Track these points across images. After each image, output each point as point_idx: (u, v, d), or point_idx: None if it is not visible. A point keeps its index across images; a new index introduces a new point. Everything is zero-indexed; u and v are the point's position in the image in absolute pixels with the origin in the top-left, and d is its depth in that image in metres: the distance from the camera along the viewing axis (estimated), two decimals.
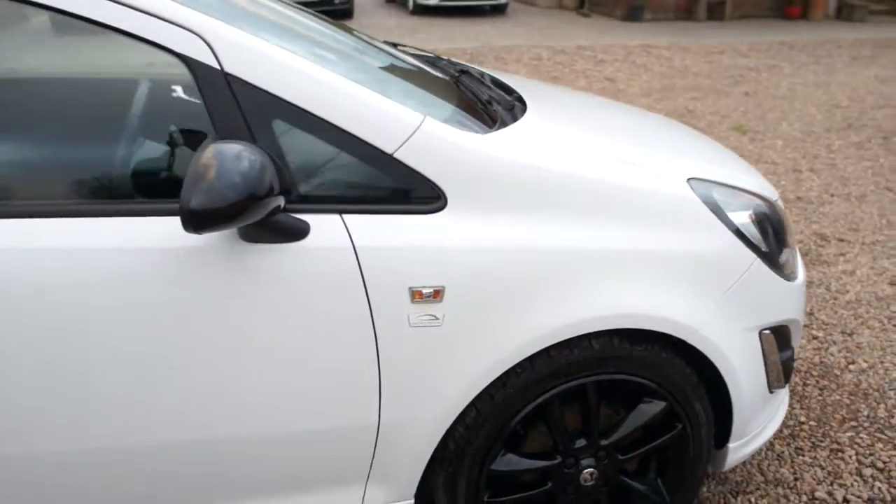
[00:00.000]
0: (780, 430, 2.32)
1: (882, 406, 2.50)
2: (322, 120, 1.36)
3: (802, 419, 2.42)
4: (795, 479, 2.15)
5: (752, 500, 2.07)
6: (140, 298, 1.27)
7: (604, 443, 1.68)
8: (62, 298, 1.24)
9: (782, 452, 2.27)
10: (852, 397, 2.55)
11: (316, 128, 1.36)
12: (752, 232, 1.72)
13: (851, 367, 2.72)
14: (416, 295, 1.39)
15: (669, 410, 1.68)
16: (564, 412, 1.62)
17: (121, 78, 1.48)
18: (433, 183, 1.42)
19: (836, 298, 3.23)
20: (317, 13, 2.13)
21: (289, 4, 1.99)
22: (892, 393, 2.58)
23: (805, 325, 2.95)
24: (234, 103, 1.31)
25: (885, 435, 2.36)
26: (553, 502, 1.71)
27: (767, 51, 10.17)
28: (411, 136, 1.40)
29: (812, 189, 4.65)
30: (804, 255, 3.69)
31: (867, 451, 2.28)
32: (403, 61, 1.94)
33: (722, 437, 1.82)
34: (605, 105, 2.28)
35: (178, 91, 1.38)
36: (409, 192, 1.41)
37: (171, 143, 1.44)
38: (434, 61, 2.21)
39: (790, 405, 2.47)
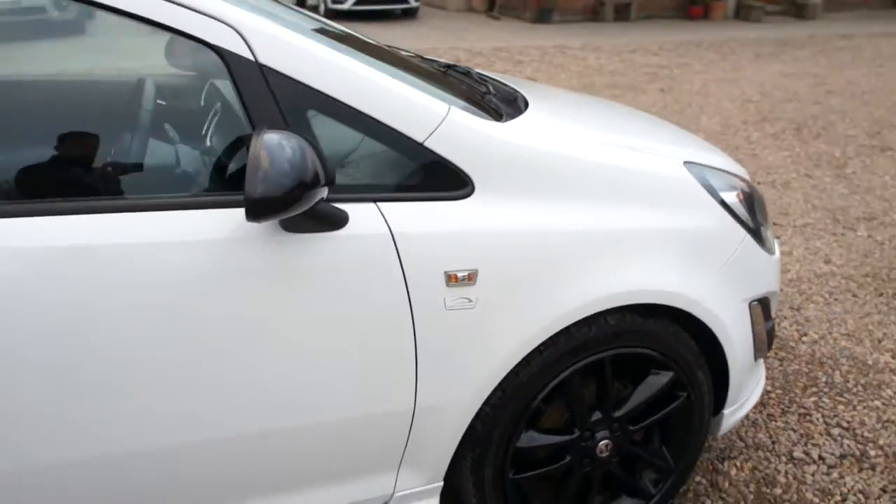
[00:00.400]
0: None
1: (837, 372, 2.71)
2: (355, 110, 1.40)
3: (769, 388, 2.60)
4: (773, 443, 2.31)
5: (738, 464, 2.21)
6: (186, 293, 1.28)
7: (617, 415, 1.77)
8: (113, 295, 1.23)
9: (756, 420, 2.43)
10: (809, 366, 2.75)
11: (349, 118, 1.40)
12: (741, 210, 1.85)
13: (804, 338, 2.93)
14: (451, 279, 1.45)
15: (676, 380, 1.79)
16: (582, 387, 1.70)
17: (155, 74, 1.48)
18: (461, 170, 1.48)
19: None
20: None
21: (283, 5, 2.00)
22: (843, 360, 2.79)
23: None
24: (269, 94, 1.33)
25: (844, 398, 2.56)
26: (569, 475, 1.79)
27: (676, 49, 10.65)
28: (440, 125, 1.45)
29: None
30: None
31: (831, 413, 2.47)
32: (398, 57, 1.99)
33: (717, 405, 1.94)
34: (596, 101, 2.40)
35: (214, 84, 1.39)
36: (439, 179, 1.47)
37: (208, 137, 1.45)
38: (420, 59, 2.26)
39: None
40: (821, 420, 2.43)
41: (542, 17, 13.70)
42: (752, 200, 1.92)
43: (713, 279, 1.76)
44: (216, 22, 1.32)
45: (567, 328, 1.60)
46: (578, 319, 1.60)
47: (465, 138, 1.48)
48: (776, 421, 2.43)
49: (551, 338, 1.59)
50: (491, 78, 2.15)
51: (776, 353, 2.81)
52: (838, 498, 2.08)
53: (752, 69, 9.07)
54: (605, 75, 8.63)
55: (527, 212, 1.53)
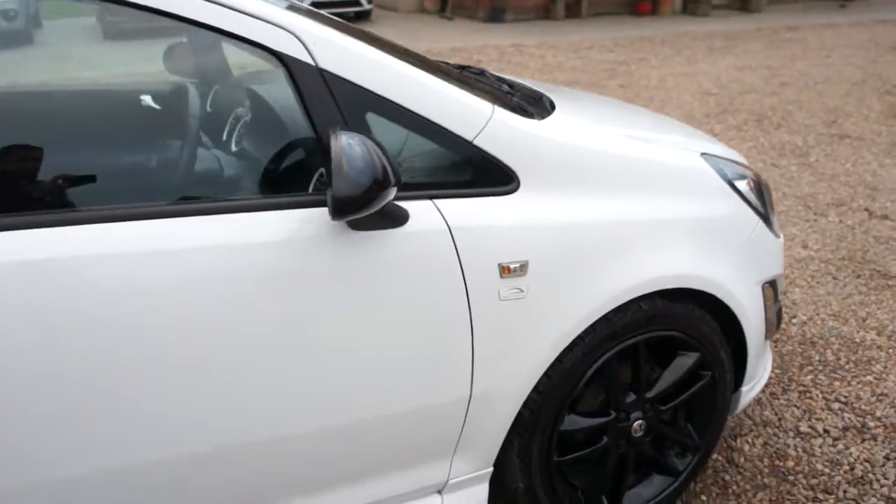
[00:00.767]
0: None
1: (828, 351, 2.87)
2: (409, 111, 1.47)
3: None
4: (779, 419, 2.45)
5: (750, 440, 2.34)
6: (267, 292, 1.33)
7: (649, 395, 1.87)
8: (195, 297, 1.28)
9: (760, 398, 2.56)
10: (802, 346, 2.90)
11: (403, 118, 1.47)
12: (752, 198, 1.97)
13: (794, 321, 3.08)
14: (504, 270, 1.53)
15: (701, 360, 1.90)
16: (619, 371, 1.80)
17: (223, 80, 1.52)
18: (507, 166, 1.56)
19: None
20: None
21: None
22: (833, 339, 2.95)
23: None
24: (329, 97, 1.40)
25: (839, 374, 2.71)
26: (605, 455, 1.88)
27: (631, 45, 10.89)
28: (487, 123, 1.53)
29: None
30: None
31: (829, 389, 2.62)
32: (425, 59, 2.06)
33: (734, 384, 2.06)
34: (608, 100, 2.50)
35: (276, 88, 1.44)
36: (488, 175, 1.55)
37: (275, 139, 1.50)
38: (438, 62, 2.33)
39: None
40: (820, 396, 2.58)
41: (495, 16, 13.85)
42: (760, 188, 2.05)
43: (732, 263, 1.88)
44: (278, 29, 1.37)
45: (606, 315, 1.69)
46: (616, 306, 1.69)
47: (509, 136, 1.56)
48: (779, 399, 2.57)
49: (592, 324, 1.68)
50: (507, 78, 2.23)
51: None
52: (847, 467, 2.22)
53: (706, 63, 9.35)
54: (566, 72, 8.80)
55: (567, 205, 1.61)
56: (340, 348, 1.42)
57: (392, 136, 1.48)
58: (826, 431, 2.39)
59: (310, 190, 1.45)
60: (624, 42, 11.20)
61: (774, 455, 2.28)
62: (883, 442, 2.33)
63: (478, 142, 1.53)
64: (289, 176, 1.51)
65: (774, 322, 2.11)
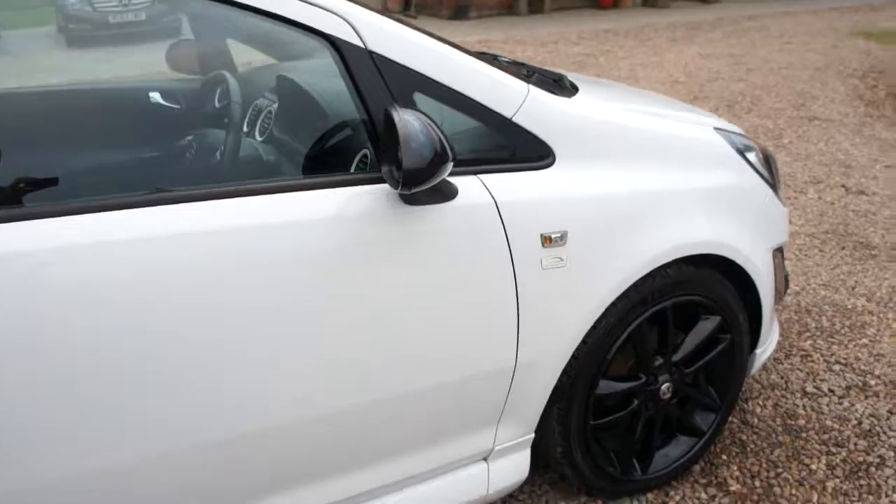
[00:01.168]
0: None
1: (823, 318, 3.01)
2: (453, 90, 1.55)
3: None
4: (785, 382, 2.57)
5: (761, 402, 2.46)
6: (330, 265, 1.39)
7: (675, 359, 1.97)
8: (270, 271, 1.34)
9: (765, 364, 2.68)
10: (798, 314, 3.04)
11: (448, 98, 1.54)
12: (762, 169, 2.09)
13: (788, 291, 3.22)
14: (546, 240, 1.61)
15: (722, 324, 2.00)
16: (648, 336, 1.89)
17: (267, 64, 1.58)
18: (544, 142, 1.65)
19: None
20: None
21: None
22: (826, 307, 3.09)
23: None
24: (379, 78, 1.47)
25: (836, 339, 2.85)
26: (634, 419, 1.98)
27: (596, 38, 11.07)
28: (524, 102, 1.62)
29: None
30: None
31: (828, 353, 2.75)
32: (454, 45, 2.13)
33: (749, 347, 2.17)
34: (616, 83, 2.60)
35: (328, 71, 1.50)
36: (527, 150, 1.63)
37: (329, 120, 1.56)
38: None
39: None
40: (821, 359, 2.71)
41: (459, 13, 13.95)
42: (768, 160, 2.16)
43: (748, 230, 1.99)
44: (329, 13, 1.44)
45: (636, 282, 1.78)
46: (646, 272, 1.78)
47: (544, 113, 1.65)
48: (783, 364, 2.69)
49: (624, 291, 1.77)
50: (521, 62, 2.32)
51: None
52: (854, 422, 2.35)
53: (672, 52, 9.54)
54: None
55: (599, 177, 1.71)
56: (397, 318, 1.48)
57: (437, 115, 1.55)
58: (831, 391, 2.51)
59: (353, 169, 1.52)
60: (588, 35, 11.37)
61: (785, 415, 2.40)
62: (885, 398, 2.47)
63: (516, 119, 1.61)
64: (344, 155, 1.57)
65: (783, 287, 2.23)
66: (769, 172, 2.13)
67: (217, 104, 1.92)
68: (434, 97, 1.54)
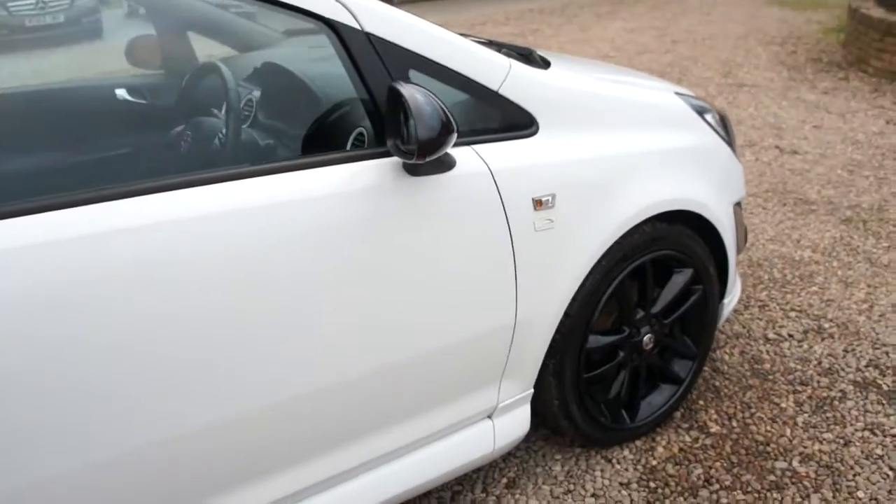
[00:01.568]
0: None
1: (774, 269, 3.23)
2: (444, 67, 1.64)
3: None
4: (747, 331, 2.77)
5: (728, 351, 2.64)
6: (343, 235, 1.47)
7: (653, 311, 2.12)
8: (294, 243, 1.42)
9: (730, 313, 2.88)
10: (751, 268, 3.25)
11: (440, 74, 1.64)
12: (720, 129, 2.25)
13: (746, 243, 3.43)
14: (537, 204, 1.73)
15: (694, 276, 2.16)
16: (630, 290, 2.04)
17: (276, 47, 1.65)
18: (527, 111, 1.76)
19: None
20: None
21: None
22: (776, 260, 3.31)
23: None
24: (377, 58, 1.56)
25: (788, 288, 3.07)
26: (620, 370, 2.12)
27: (522, 17, 11.26)
28: (507, 74, 1.73)
29: None
30: None
31: (783, 301, 2.96)
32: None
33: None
34: (576, 57, 2.73)
35: (327, 51, 1.58)
36: (513, 121, 1.74)
37: (321, 102, 1.64)
38: None
39: None
40: (777, 308, 2.92)
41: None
42: (724, 121, 2.33)
43: (713, 187, 2.15)
44: None
45: (618, 239, 1.92)
46: (626, 230, 1.92)
47: (527, 85, 1.76)
48: (743, 315, 2.89)
49: (608, 248, 1.91)
50: (489, 39, 2.42)
51: None
52: (815, 362, 2.56)
53: (598, 28, 9.80)
54: None
55: (579, 142, 1.83)
56: (409, 284, 1.58)
57: (434, 90, 1.64)
58: (790, 336, 2.72)
59: (349, 146, 1.61)
60: (515, 15, 11.55)
61: (752, 360, 2.58)
62: (839, 338, 2.69)
63: (502, 91, 1.72)
64: (339, 134, 1.66)
65: (743, 239, 2.41)
66: (725, 132, 2.29)
67: (209, 93, 1.97)
68: (427, 74, 1.63)
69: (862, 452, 2.12)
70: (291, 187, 1.43)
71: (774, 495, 1.99)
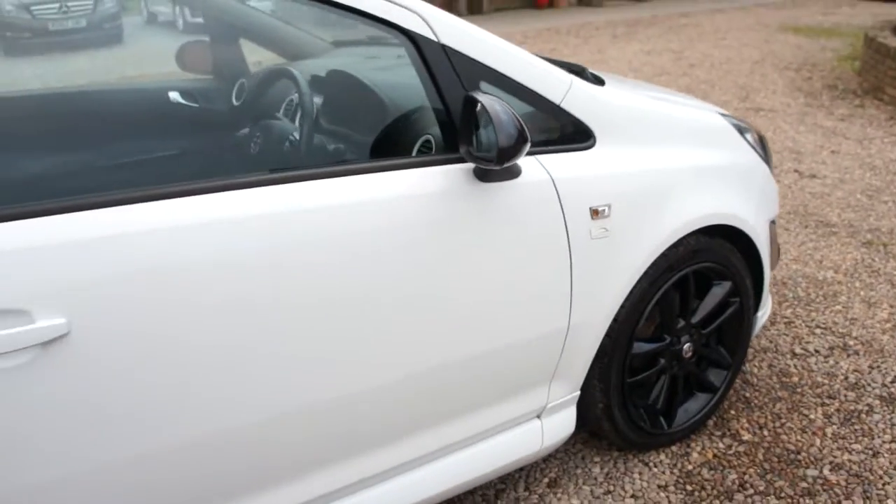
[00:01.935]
0: None
1: (799, 288, 3.32)
2: (513, 80, 1.75)
3: None
4: (775, 346, 2.86)
5: (756, 364, 2.73)
6: (408, 239, 1.56)
7: (693, 321, 2.21)
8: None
9: (762, 327, 2.97)
10: (776, 287, 3.34)
11: (509, 87, 1.74)
12: (758, 149, 2.35)
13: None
14: (594, 213, 1.83)
15: (733, 289, 2.25)
16: (673, 300, 2.13)
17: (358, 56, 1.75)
18: (586, 125, 1.86)
19: None
20: None
21: None
22: (800, 279, 3.41)
23: None
24: (451, 68, 1.66)
25: (813, 306, 3.16)
26: (658, 378, 2.21)
27: (539, 36, 11.42)
28: (569, 89, 1.83)
29: None
30: None
31: (808, 319, 3.05)
32: None
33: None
34: (623, 77, 2.83)
35: (405, 61, 1.68)
36: (573, 133, 1.84)
37: (389, 110, 1.74)
38: None
39: None
40: (802, 325, 3.01)
41: None
42: (762, 140, 2.43)
43: (753, 204, 2.24)
44: (406, 10, 1.62)
45: (665, 250, 2.01)
46: (673, 242, 2.01)
47: (586, 99, 1.86)
48: (770, 330, 2.98)
49: (656, 259, 2.00)
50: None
51: None
52: (841, 377, 2.64)
53: (614, 49, 9.95)
54: None
55: (633, 156, 1.93)
56: (476, 284, 1.67)
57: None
58: (817, 351, 2.81)
59: (415, 153, 1.71)
60: (532, 34, 11.71)
61: (780, 374, 2.67)
62: (864, 355, 2.77)
63: (563, 105, 1.82)
64: (406, 140, 1.76)
65: (776, 256, 2.50)
66: (763, 151, 2.39)
67: (280, 97, 2.07)
68: (496, 85, 1.73)
69: (891, 463, 2.20)
70: (369, 188, 1.53)
71: (807, 501, 2.07)
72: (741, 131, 2.32)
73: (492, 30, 8.89)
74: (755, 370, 2.69)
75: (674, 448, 2.29)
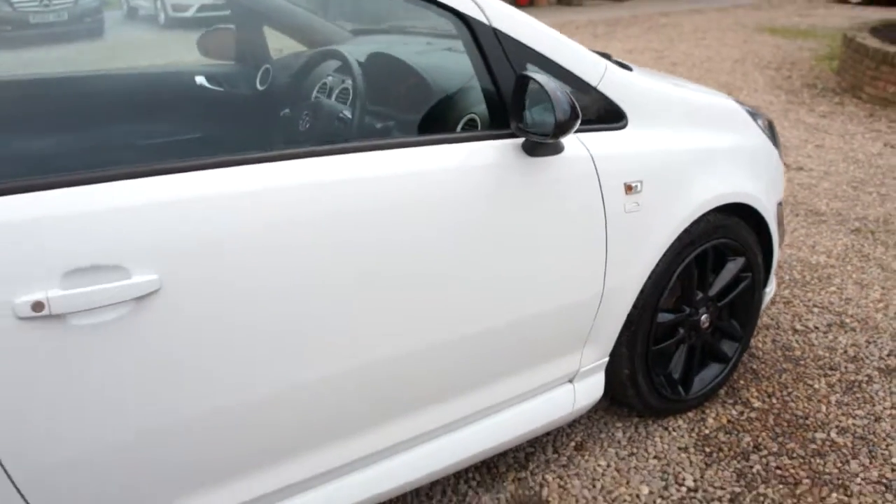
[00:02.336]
0: None
1: (794, 271, 3.50)
2: (555, 63, 1.88)
3: None
4: (776, 323, 3.03)
5: (761, 339, 2.90)
6: (462, 208, 1.68)
7: (710, 294, 2.37)
8: (410, 213, 1.63)
9: (769, 302, 3.13)
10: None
11: (552, 69, 1.88)
12: (768, 133, 2.51)
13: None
14: (627, 189, 1.97)
15: (745, 265, 2.41)
16: (693, 273, 2.28)
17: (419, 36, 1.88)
18: (618, 106, 2.00)
19: None
20: None
21: None
22: (795, 263, 3.59)
23: None
24: (500, 50, 1.79)
25: (809, 287, 3.34)
26: (677, 347, 2.36)
27: None
28: (605, 73, 1.97)
29: None
30: None
31: (806, 299, 3.23)
32: None
33: None
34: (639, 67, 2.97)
35: (459, 43, 1.81)
36: (608, 114, 1.98)
37: (433, 90, 1.87)
38: None
39: None
40: (801, 304, 3.19)
41: None
42: (770, 125, 2.60)
43: (764, 185, 2.40)
44: None
45: (688, 226, 2.16)
46: (696, 218, 2.16)
47: (619, 83, 2.01)
48: (770, 309, 3.15)
49: (680, 233, 2.15)
50: None
51: None
52: (841, 350, 2.82)
53: (597, 48, 10.12)
54: None
55: (662, 137, 2.07)
56: (523, 251, 1.80)
57: None
58: (816, 328, 2.98)
59: (459, 130, 1.84)
60: None
61: (783, 348, 2.84)
62: (861, 331, 2.95)
63: (600, 87, 1.96)
64: (451, 118, 1.89)
65: (783, 234, 2.66)
66: (772, 136, 2.56)
67: (328, 76, 2.20)
68: (540, 67, 1.87)
69: (892, 427, 2.38)
70: (429, 160, 1.65)
71: (818, 460, 2.23)
72: (753, 116, 2.48)
73: None
74: (760, 345, 2.85)
75: (690, 414, 2.45)
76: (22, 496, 1.28)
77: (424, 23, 2.61)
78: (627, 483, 2.15)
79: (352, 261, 1.52)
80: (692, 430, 2.38)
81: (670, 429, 2.38)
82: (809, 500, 2.08)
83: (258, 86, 2.65)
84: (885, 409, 2.47)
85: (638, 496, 2.10)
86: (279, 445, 1.58)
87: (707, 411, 2.46)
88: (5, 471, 1.25)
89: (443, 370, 1.78)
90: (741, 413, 2.46)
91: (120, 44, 3.07)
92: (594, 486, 2.14)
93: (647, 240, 2.05)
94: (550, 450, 2.29)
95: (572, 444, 2.31)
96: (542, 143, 1.75)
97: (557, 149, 1.81)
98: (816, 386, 2.60)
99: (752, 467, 2.21)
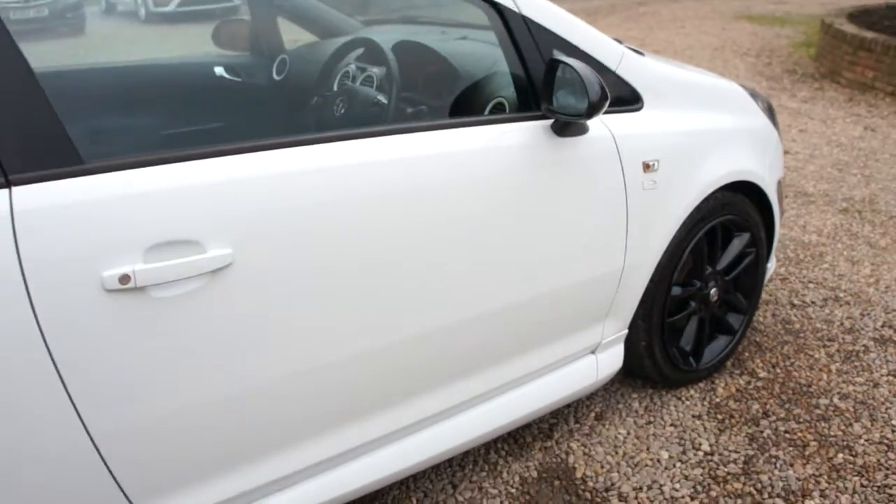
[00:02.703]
0: None
1: (788, 250, 3.65)
2: (578, 48, 1.99)
3: None
4: (774, 299, 3.18)
5: (761, 313, 3.04)
6: (496, 187, 1.78)
7: (718, 268, 2.50)
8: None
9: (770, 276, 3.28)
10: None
11: (575, 54, 1.99)
12: (768, 114, 2.65)
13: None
14: (645, 167, 2.09)
15: (749, 240, 2.55)
16: (703, 248, 2.41)
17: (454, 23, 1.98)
18: (635, 89, 2.12)
19: None
20: None
21: None
22: (788, 242, 3.74)
23: None
24: (529, 36, 1.90)
25: (803, 265, 3.49)
26: (688, 320, 2.49)
27: None
28: (622, 57, 2.09)
29: None
30: None
31: (801, 276, 3.39)
32: None
33: None
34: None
35: (474, 32, 1.92)
36: (626, 96, 2.10)
37: (461, 76, 1.98)
38: None
39: None
40: (797, 280, 3.34)
41: None
42: (770, 107, 2.73)
43: (766, 164, 2.54)
44: None
45: (699, 203, 2.29)
46: (706, 195, 2.29)
47: (636, 67, 2.13)
48: (768, 286, 3.30)
49: (692, 210, 2.27)
50: None
51: None
52: (838, 322, 2.97)
53: None
54: None
55: (675, 118, 2.20)
56: (546, 228, 1.90)
57: None
58: (813, 302, 3.14)
59: (486, 113, 1.95)
60: None
61: (783, 322, 2.99)
62: (855, 305, 3.11)
63: (619, 71, 2.08)
64: (479, 102, 2.00)
65: (783, 211, 2.81)
66: (771, 118, 2.69)
67: (349, 64, 2.31)
68: (565, 52, 1.98)
69: (890, 392, 2.53)
70: (462, 141, 1.75)
71: (823, 424, 2.38)
72: (754, 98, 2.61)
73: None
74: (761, 319, 3.00)
75: (701, 385, 2.58)
76: (101, 456, 1.37)
77: (437, 13, 2.71)
78: (648, 449, 2.28)
79: (402, 236, 1.62)
80: (704, 399, 2.51)
81: (683, 398, 2.51)
82: (818, 460, 2.22)
83: (275, 76, 2.74)
84: (882, 375, 2.62)
85: (659, 461, 2.22)
86: (349, 408, 1.68)
87: (716, 382, 2.60)
88: (86, 429, 1.34)
89: (480, 343, 1.88)
90: (748, 382, 2.59)
91: (102, 39, 3.12)
92: (616, 453, 2.26)
93: (663, 216, 2.17)
94: (573, 420, 2.41)
95: (592, 414, 2.44)
96: (572, 124, 1.86)
97: (584, 129, 1.92)
98: (817, 356, 2.75)
99: (762, 432, 2.35)
